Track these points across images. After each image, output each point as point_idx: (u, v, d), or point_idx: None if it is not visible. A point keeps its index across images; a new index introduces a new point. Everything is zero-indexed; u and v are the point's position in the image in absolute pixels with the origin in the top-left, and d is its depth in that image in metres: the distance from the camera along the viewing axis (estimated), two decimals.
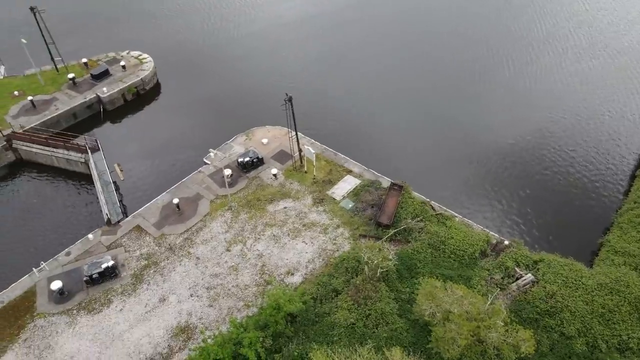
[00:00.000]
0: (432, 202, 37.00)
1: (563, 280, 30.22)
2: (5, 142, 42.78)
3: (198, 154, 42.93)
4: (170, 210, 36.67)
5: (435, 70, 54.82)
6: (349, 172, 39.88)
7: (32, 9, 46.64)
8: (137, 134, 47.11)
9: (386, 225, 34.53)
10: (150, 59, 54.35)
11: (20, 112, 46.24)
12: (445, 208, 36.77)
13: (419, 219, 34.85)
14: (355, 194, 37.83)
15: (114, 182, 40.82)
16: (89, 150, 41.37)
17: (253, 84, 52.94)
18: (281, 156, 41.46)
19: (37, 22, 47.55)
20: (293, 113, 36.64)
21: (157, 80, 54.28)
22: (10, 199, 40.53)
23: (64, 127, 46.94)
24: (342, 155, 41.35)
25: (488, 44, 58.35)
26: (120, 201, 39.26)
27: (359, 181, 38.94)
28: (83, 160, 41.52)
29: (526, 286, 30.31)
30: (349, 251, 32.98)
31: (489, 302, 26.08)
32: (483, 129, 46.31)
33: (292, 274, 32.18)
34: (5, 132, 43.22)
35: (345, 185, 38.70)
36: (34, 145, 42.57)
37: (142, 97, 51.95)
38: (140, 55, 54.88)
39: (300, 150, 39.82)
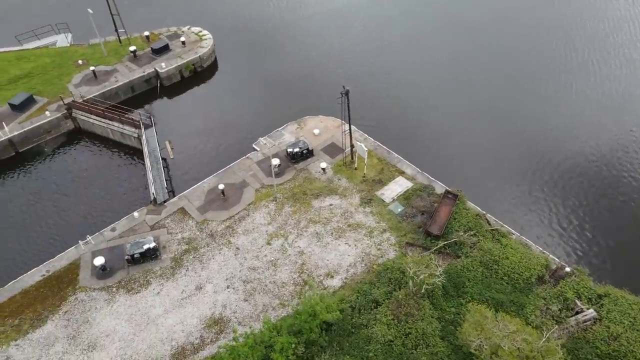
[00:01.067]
0: (488, 215, 34.38)
1: (630, 322, 27.15)
2: (65, 111, 43.72)
3: (248, 138, 42.11)
4: (215, 195, 36.20)
5: (508, 63, 51.00)
6: (402, 173, 37.78)
7: None
8: (190, 112, 46.90)
9: (436, 235, 32.41)
10: (210, 36, 53.80)
11: (82, 81, 47.10)
12: (501, 223, 34.06)
13: (472, 232, 32.43)
14: (405, 197, 35.79)
15: (164, 159, 40.93)
16: (142, 126, 41.52)
17: (311, 70, 51.30)
18: (332, 149, 39.89)
19: None
20: (349, 107, 34.82)
21: (215, 58, 53.76)
22: (64, 168, 41.46)
23: (122, 100, 47.50)
24: (396, 155, 39.21)
25: (572, 39, 53.39)
26: (168, 180, 39.28)
27: (411, 184, 36.81)
28: (136, 135, 41.78)
29: (587, 323, 27.49)
30: (393, 260, 31.23)
31: (543, 339, 23.70)
32: (554, 137, 42.54)
33: (332, 277, 30.90)
34: (66, 101, 44.17)
35: (396, 187, 36.70)
36: (92, 116, 43.26)
37: (198, 74, 51.63)
38: (201, 31, 54.43)
39: (352, 146, 38.06)
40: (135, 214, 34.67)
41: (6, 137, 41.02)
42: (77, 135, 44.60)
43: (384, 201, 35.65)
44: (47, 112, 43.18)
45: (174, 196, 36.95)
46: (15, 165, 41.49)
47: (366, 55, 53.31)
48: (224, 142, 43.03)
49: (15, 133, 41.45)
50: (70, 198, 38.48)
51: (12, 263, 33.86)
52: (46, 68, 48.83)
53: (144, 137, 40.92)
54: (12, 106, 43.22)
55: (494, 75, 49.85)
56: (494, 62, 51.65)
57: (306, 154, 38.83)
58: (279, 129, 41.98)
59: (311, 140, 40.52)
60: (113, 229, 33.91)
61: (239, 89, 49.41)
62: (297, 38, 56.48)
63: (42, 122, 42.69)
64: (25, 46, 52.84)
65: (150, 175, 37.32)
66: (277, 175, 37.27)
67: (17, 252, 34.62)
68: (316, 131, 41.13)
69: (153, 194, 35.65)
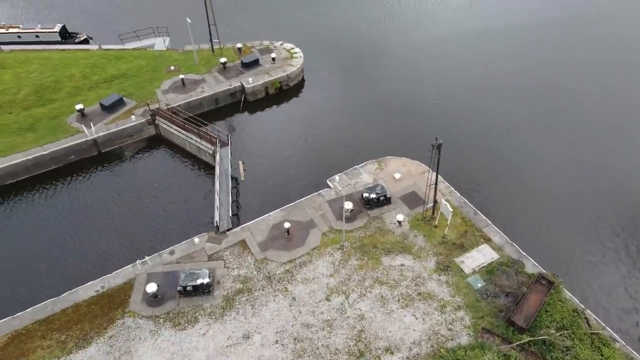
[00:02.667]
0: (588, 311, 28.90)
1: None
2: (149, 117, 43.93)
3: (323, 171, 39.64)
4: (279, 231, 33.96)
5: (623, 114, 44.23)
6: (487, 240, 33.19)
7: None
8: (268, 132, 45.34)
9: (521, 327, 27.62)
10: (301, 54, 52.16)
11: (171, 88, 47.29)
12: (604, 324, 28.46)
13: (566, 333, 27.28)
14: (489, 271, 31.24)
15: (235, 179, 39.61)
16: (218, 143, 40.45)
17: (404, 103, 47.83)
18: (412, 199, 36.16)
19: (205, 3, 47.79)
20: (439, 161, 30.98)
21: (303, 78, 52.04)
22: (139, 175, 41.42)
23: (205, 111, 47.13)
24: (483, 217, 34.65)
25: None
26: (235, 201, 37.83)
27: (497, 256, 32.14)
28: (211, 152, 40.81)
29: None
30: (465, 348, 26.96)
31: None
32: None
33: (392, 353, 27.30)
34: (152, 107, 44.40)
35: (478, 257, 32.23)
36: (173, 126, 43.03)
37: (284, 92, 50.15)
38: (293, 48, 52.99)
39: (435, 202, 34.11)
40: (196, 239, 33.33)
41: (92, 137, 41.82)
42: (157, 142, 44.66)
43: (463, 271, 31.35)
44: (132, 117, 43.62)
45: (238, 224, 35.28)
46: (96, 165, 42.17)
47: (469, 94, 48.77)
48: (298, 172, 40.83)
49: (101, 134, 42.17)
50: (137, 210, 38.11)
51: (75, 267, 33.87)
52: (140, 70, 49.75)
53: (218, 155, 39.80)
54: (103, 106, 44.16)
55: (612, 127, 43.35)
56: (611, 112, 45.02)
57: (383, 200, 35.46)
58: (358, 166, 38.97)
59: (390, 184, 37.09)
60: (172, 252, 32.78)
61: (322, 114, 47.13)
62: (394, 65, 53.34)
63: (126, 125, 43.15)
64: (127, 45, 54.48)
65: (217, 199, 35.94)
66: (348, 220, 34.29)
67: (83, 257, 34.61)
68: (397, 175, 37.61)
69: (217, 221, 34.14)
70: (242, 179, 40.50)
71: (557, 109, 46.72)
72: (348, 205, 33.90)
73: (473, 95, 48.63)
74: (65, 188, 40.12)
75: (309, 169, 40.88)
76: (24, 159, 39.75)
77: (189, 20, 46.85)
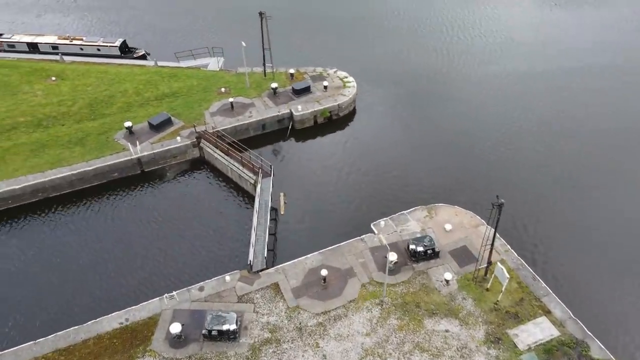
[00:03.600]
0: None
1: None
2: (195, 139, 43.18)
3: (368, 213, 37.19)
4: (315, 277, 31.66)
5: None
6: (547, 312, 29.47)
7: (260, 13, 46.14)
8: (314, 164, 43.43)
9: None
10: (354, 84, 50.26)
11: (219, 110, 46.54)
12: None
13: None
14: (546, 350, 27.53)
15: (274, 209, 37.85)
16: (260, 174, 38.90)
17: (461, 142, 44.72)
18: (462, 255, 32.95)
19: (261, 27, 47.00)
20: (498, 221, 27.81)
21: (354, 108, 50.03)
22: (178, 198, 40.45)
23: (251, 135, 46.01)
24: (543, 284, 30.95)
25: None
26: (273, 235, 36.01)
27: (557, 333, 28.36)
28: (253, 181, 39.32)
29: None
30: None
31: None
32: None
33: None
34: (198, 129, 43.67)
35: (535, 331, 28.57)
36: (217, 150, 41.99)
37: (333, 122, 48.28)
38: (346, 77, 51.20)
39: (489, 263, 30.76)
40: (227, 277, 31.59)
41: (136, 155, 41.44)
42: (200, 165, 43.76)
43: (517, 346, 27.79)
44: (178, 138, 43.00)
45: (272, 264, 33.33)
46: (138, 184, 41.66)
47: (535, 141, 44.87)
48: (341, 211, 38.56)
49: (145, 153, 41.74)
50: (173, 234, 36.99)
51: (104, 291, 32.93)
52: (191, 90, 49.45)
53: (259, 186, 38.21)
54: (151, 125, 43.88)
55: None
56: None
57: (430, 254, 32.47)
58: (405, 212, 36.19)
59: (440, 236, 34.06)
60: (201, 289, 31.15)
61: (371, 149, 44.76)
62: (454, 102, 50.27)
63: (171, 146, 42.56)
64: (182, 63, 54.56)
65: (254, 234, 34.17)
66: (391, 272, 31.51)
67: (113, 280, 33.70)
68: (448, 226, 34.52)
69: (251, 260, 32.30)
70: (282, 213, 38.66)
71: (636, 162, 42.14)
72: (392, 257, 31.18)
73: (539, 143, 44.77)
74: (106, 205, 39.74)
75: (353, 209, 38.54)
76: (69, 173, 39.77)
77: (243, 44, 46.12)
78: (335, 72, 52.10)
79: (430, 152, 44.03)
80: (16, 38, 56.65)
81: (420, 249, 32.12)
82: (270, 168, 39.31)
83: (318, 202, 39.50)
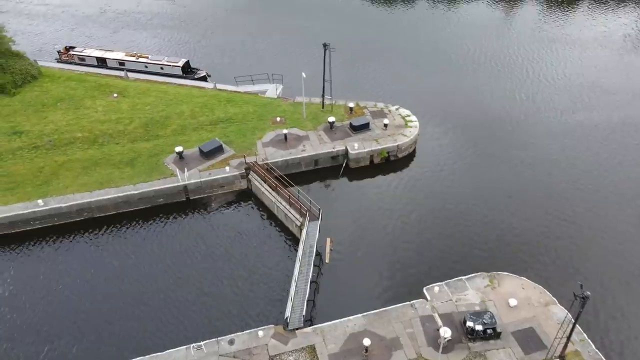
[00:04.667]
0: None
1: None
2: (244, 170, 41.46)
3: (420, 275, 33.58)
4: (356, 344, 28.33)
5: None
6: None
7: (324, 45, 44.23)
8: (366, 209, 40.32)
9: None
10: (416, 124, 47.00)
11: (272, 141, 44.72)
12: None
13: None
14: None
15: (318, 254, 35.04)
16: (308, 216, 36.31)
17: (533, 202, 40.03)
18: (528, 339, 28.47)
19: (324, 58, 45.03)
20: (579, 315, 23.42)
21: (414, 150, 46.67)
22: (220, 231, 38.59)
23: (302, 170, 43.79)
24: None
25: None
26: (314, 282, 33.17)
27: None
28: (298, 223, 36.77)
29: None
30: None
31: None
32: None
33: None
34: (248, 159, 41.98)
35: None
36: (264, 185, 39.98)
37: (390, 163, 45.12)
38: (409, 116, 48.04)
39: (563, 357, 26.16)
40: (260, 332, 28.93)
41: (183, 183, 40.21)
42: (246, 197, 41.88)
43: None
44: (227, 168, 41.45)
45: (311, 322, 30.40)
46: (181, 211, 40.36)
47: (622, 211, 39.31)
48: (391, 267, 35.08)
49: (192, 181, 40.44)
50: (210, 272, 35.01)
51: (130, 331, 31.21)
52: (246, 117, 48.12)
53: (305, 230, 35.58)
54: (201, 151, 42.71)
55: None
56: None
57: (490, 334, 28.29)
58: (464, 278, 32.20)
59: (502, 312, 29.79)
60: (231, 342, 28.66)
61: (430, 198, 41.11)
62: (529, 152, 45.63)
63: (219, 176, 41.05)
64: (240, 88, 53.69)
65: (294, 286, 31.44)
66: (444, 350, 27.60)
67: (143, 318, 32.03)
68: (512, 301, 30.17)
69: (287, 316, 29.51)
70: (327, 261, 35.75)
71: None
72: (446, 333, 27.24)
73: (626, 214, 39.27)
74: (148, 231, 38.61)
75: (404, 266, 34.96)
76: (115, 195, 39.06)
77: (304, 75, 44.29)
78: (397, 109, 49.11)
79: (498, 207, 39.74)
80: (87, 52, 58.21)
81: (478, 327, 28.03)
82: (319, 212, 36.62)
83: (367, 252, 36.29)
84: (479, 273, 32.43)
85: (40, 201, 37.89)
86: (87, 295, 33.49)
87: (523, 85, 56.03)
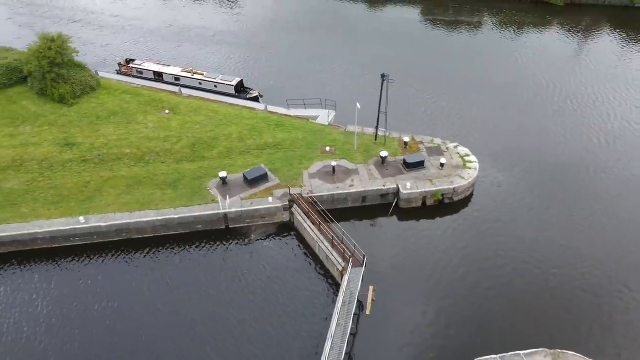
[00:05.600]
0: None
1: None
2: (287, 202, 39.43)
3: (473, 345, 29.97)
4: None
5: None
6: None
7: (383, 75, 41.79)
8: (414, 255, 37.13)
9: None
10: (476, 165, 43.35)
11: (319, 173, 42.50)
12: None
13: None
14: None
15: (359, 302, 32.18)
16: (351, 262, 33.60)
17: (617, 270, 35.38)
18: None
19: (381, 89, 42.56)
20: None
21: (472, 194, 42.98)
22: (258, 265, 36.59)
23: (348, 207, 41.22)
24: None
25: None
26: (353, 335, 30.32)
27: None
28: (340, 268, 34.11)
29: None
30: None
31: None
32: None
33: None
34: (293, 191, 39.93)
35: None
36: (307, 221, 37.71)
37: (444, 207, 41.67)
38: (468, 156, 44.47)
39: None
40: None
41: (224, 211, 38.67)
42: (288, 230, 39.77)
43: None
44: (270, 198, 39.58)
45: None
46: (219, 240, 38.82)
47: None
48: (438, 328, 31.63)
49: (233, 210, 38.84)
50: (243, 309, 32.99)
51: None
52: (295, 144, 46.26)
53: (347, 277, 32.89)
54: (245, 178, 41.13)
55: None
56: None
57: None
58: (521, 353, 28.34)
59: None
60: None
61: (486, 249, 37.35)
62: (615, 213, 40.57)
63: (261, 206, 39.23)
64: (291, 111, 52.09)
65: (330, 341, 28.73)
66: None
67: (170, 353, 30.42)
68: None
69: None
70: (368, 313, 32.73)
71: None
72: None
73: None
74: (184, 258, 37.31)
75: (454, 330, 31.42)
76: (154, 218, 38.07)
77: (358, 106, 41.97)
78: (456, 147, 45.66)
79: (565, 270, 35.36)
80: (145, 66, 58.75)
81: None
82: (364, 258, 33.83)
83: (412, 307, 33.09)
84: (541, 349, 28.46)
85: (81, 218, 37.45)
86: (123, 318, 32.60)
87: (602, 129, 50.90)
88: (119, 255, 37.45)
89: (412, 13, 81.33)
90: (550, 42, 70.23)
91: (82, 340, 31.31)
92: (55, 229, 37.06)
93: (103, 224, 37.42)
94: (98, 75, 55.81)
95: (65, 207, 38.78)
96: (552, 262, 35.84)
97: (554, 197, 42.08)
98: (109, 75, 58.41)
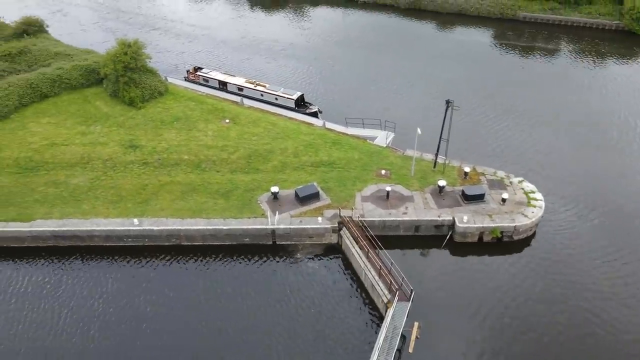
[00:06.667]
0: None
1: None
2: (337, 224, 38.48)
3: None
4: None
5: None
6: None
7: (448, 102, 40.10)
8: (466, 294, 34.90)
9: None
10: (542, 204, 40.38)
11: (372, 197, 41.24)
12: None
13: None
14: None
15: (403, 337, 30.52)
16: (397, 295, 32.00)
17: None
18: None
19: (445, 115, 40.84)
20: None
21: (534, 234, 39.97)
22: (300, 285, 35.83)
23: (399, 234, 39.64)
24: None
25: None
26: None
27: None
28: (385, 300, 32.56)
29: None
30: None
31: None
32: None
33: None
34: (343, 213, 38.94)
35: None
36: (356, 246, 36.51)
37: (502, 245, 39.08)
38: (533, 193, 41.53)
39: None
40: None
41: (272, 227, 38.34)
42: (334, 253, 38.78)
43: None
44: (319, 218, 38.82)
45: None
46: (265, 255, 38.50)
47: None
48: None
49: (281, 227, 38.42)
50: (278, 335, 32.23)
51: None
52: (350, 164, 45.31)
53: (392, 310, 31.34)
54: (297, 195, 40.64)
55: None
56: None
57: None
58: None
59: None
60: None
61: (547, 299, 34.45)
62: None
63: (310, 226, 38.55)
64: (349, 130, 51.27)
65: None
66: None
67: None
68: None
69: None
70: (410, 351, 30.98)
71: None
72: None
73: None
74: (229, 269, 37.36)
75: None
76: (204, 227, 38.39)
77: (419, 131, 40.47)
78: (520, 182, 42.83)
79: (635, 344, 31.69)
80: (211, 74, 60.33)
81: None
82: (411, 292, 32.15)
83: (458, 348, 30.98)
84: None
85: (136, 220, 38.45)
86: (170, 321, 33.19)
87: None
88: (168, 260, 38.04)
89: (484, 36, 78.55)
90: (636, 74, 65.02)
91: (130, 338, 31.95)
92: (111, 228, 38.27)
93: (155, 228, 38.21)
94: (167, 81, 57.94)
95: (122, 207, 40.05)
96: (621, 327, 32.27)
97: (635, 251, 38.06)
98: (177, 81, 60.49)
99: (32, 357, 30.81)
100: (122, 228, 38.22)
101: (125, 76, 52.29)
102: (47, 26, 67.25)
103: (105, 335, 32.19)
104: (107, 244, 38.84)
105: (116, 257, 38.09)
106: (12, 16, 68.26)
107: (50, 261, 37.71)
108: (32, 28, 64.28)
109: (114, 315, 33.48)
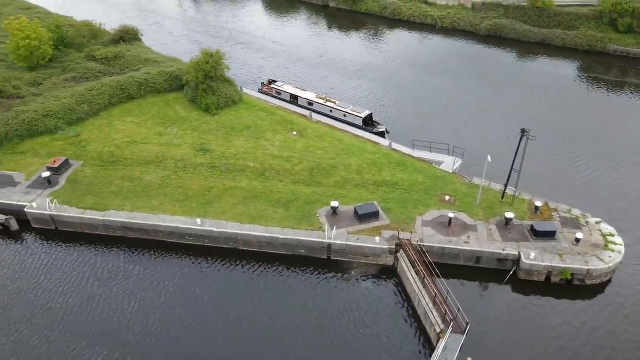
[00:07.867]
0: None
1: None
2: (395, 246, 37.56)
3: None
4: None
5: None
6: None
7: (523, 130, 38.23)
8: (527, 337, 32.52)
9: None
10: (622, 248, 37.07)
11: (433, 222, 39.93)
12: None
13: None
14: None
15: None
16: (451, 327, 30.43)
17: None
18: None
19: (519, 145, 38.95)
20: None
21: (610, 281, 36.65)
22: (351, 306, 35.10)
23: (459, 264, 37.93)
24: None
25: None
26: None
27: None
28: (438, 330, 31.07)
29: None
30: None
31: None
32: None
33: None
34: (402, 235, 37.99)
35: None
36: (412, 271, 35.34)
37: (572, 289, 36.20)
38: (612, 236, 38.24)
39: None
40: None
41: (328, 241, 38.15)
42: (389, 275, 37.78)
43: None
44: (377, 238, 38.10)
45: None
46: (319, 269, 38.29)
47: None
48: None
49: (338, 242, 38.11)
50: (318, 355, 31.65)
51: None
52: (413, 187, 44.31)
53: (444, 342, 29.81)
54: (356, 212, 40.25)
55: None
56: None
57: None
58: None
59: None
60: None
61: (612, 352, 31.13)
62: None
63: (367, 245, 37.90)
64: (415, 152, 50.30)
65: None
66: None
67: None
68: None
69: None
70: None
71: None
72: None
73: None
74: (282, 279, 37.44)
75: None
76: (261, 234, 38.93)
77: (489, 158, 38.84)
78: (598, 223, 39.66)
79: None
80: (285, 88, 61.94)
81: None
82: (466, 325, 30.45)
83: None
84: None
85: (198, 220, 39.83)
86: (228, 322, 33.88)
87: None
88: (225, 262, 38.85)
89: (569, 68, 74.59)
90: None
91: (192, 335, 32.94)
92: (175, 225, 39.88)
93: (215, 230, 39.33)
94: (242, 91, 60.27)
95: (187, 207, 41.71)
96: None
97: None
98: (251, 92, 62.71)
99: (99, 342, 32.45)
100: (185, 226, 39.68)
101: (204, 84, 55.07)
102: (142, 35, 72.67)
103: (167, 329, 33.31)
104: (170, 240, 40.43)
105: (178, 254, 39.49)
106: (113, 24, 74.48)
107: (122, 251, 39.77)
108: (128, 36, 69.82)
109: (177, 310, 34.61)
